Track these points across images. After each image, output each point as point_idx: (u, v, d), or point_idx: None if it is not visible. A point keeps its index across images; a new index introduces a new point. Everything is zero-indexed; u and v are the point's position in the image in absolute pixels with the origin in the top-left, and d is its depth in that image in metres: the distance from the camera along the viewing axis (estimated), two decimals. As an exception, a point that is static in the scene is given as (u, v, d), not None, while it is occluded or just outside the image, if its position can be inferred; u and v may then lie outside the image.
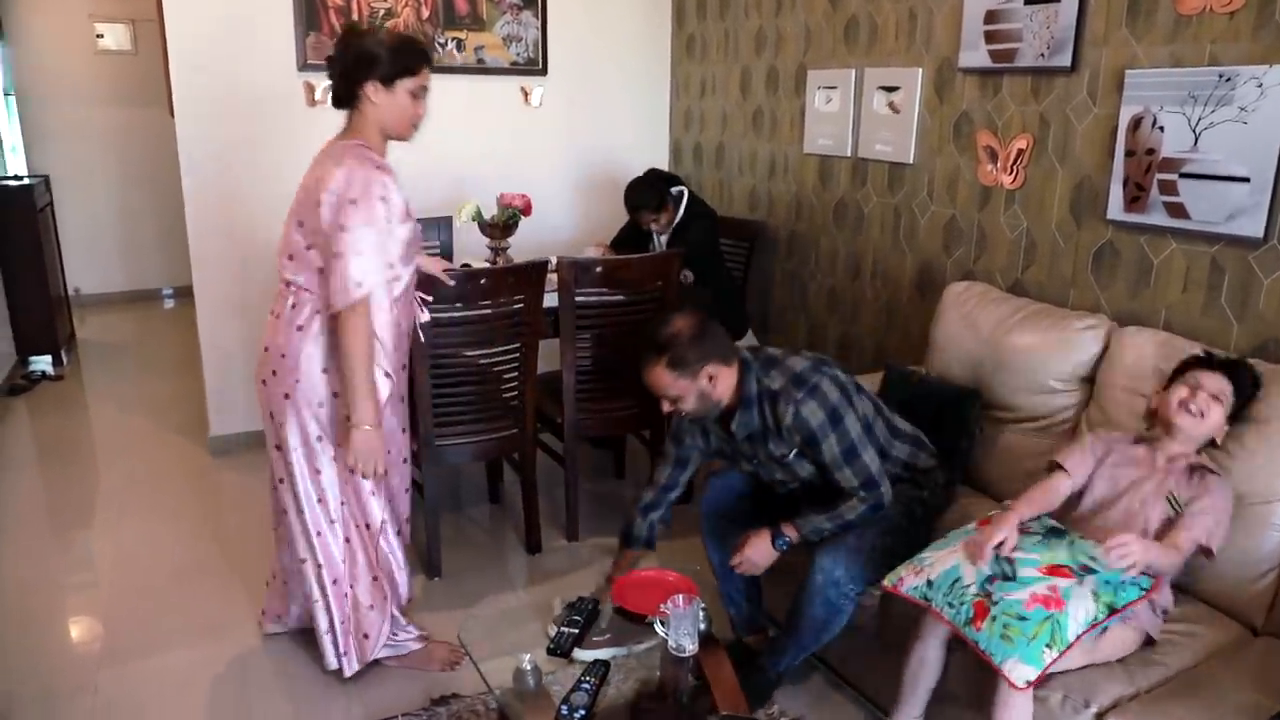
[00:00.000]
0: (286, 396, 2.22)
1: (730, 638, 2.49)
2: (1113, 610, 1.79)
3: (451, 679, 2.44)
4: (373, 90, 2.14)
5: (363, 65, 2.13)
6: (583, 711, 1.75)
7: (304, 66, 3.74)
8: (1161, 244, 2.38)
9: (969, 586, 1.85)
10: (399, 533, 2.49)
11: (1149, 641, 1.91)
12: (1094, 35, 2.48)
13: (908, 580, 1.95)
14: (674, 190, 3.59)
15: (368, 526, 2.37)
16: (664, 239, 3.66)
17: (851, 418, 2.14)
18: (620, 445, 3.79)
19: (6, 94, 6.50)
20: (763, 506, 2.37)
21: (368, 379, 2.14)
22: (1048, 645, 1.72)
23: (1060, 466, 2.06)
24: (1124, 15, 2.39)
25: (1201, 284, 2.31)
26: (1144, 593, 1.83)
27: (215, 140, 3.70)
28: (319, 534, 2.32)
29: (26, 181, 5.33)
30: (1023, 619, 1.75)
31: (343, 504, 2.33)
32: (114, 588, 2.92)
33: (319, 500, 2.30)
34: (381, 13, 3.82)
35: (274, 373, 2.23)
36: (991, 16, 2.73)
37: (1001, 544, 1.87)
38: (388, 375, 2.24)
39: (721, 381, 2.11)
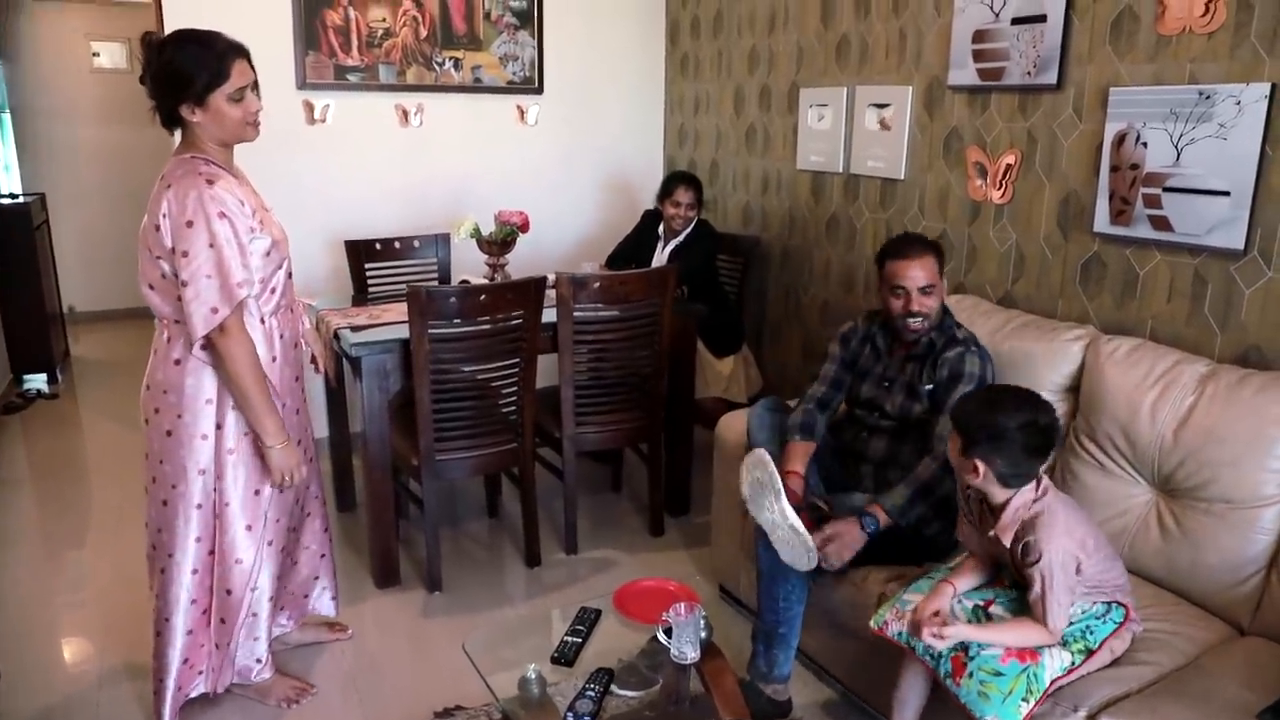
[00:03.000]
0: (169, 434, 2.13)
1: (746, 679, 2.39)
2: (1090, 652, 1.83)
3: (456, 690, 2.46)
4: (188, 112, 2.01)
5: (172, 89, 2.00)
6: (588, 718, 1.78)
7: (303, 85, 3.79)
8: (1146, 256, 2.44)
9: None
10: (283, 549, 2.38)
11: (1135, 641, 1.95)
12: (1079, 54, 2.54)
13: (892, 625, 1.96)
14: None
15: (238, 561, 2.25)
16: (666, 253, 3.71)
17: None
18: (618, 459, 3.83)
19: (2, 111, 6.54)
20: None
21: (262, 396, 2.08)
22: (1024, 699, 1.74)
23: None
24: (1107, 35, 2.46)
25: (1185, 294, 2.37)
26: (1118, 626, 1.87)
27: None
28: (194, 571, 2.22)
29: (22, 200, 5.36)
30: (999, 675, 1.76)
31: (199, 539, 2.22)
32: (108, 607, 2.93)
33: (196, 539, 2.20)
34: (380, 32, 3.87)
35: (156, 410, 2.13)
36: (979, 36, 2.80)
37: (937, 613, 1.85)
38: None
39: (939, 299, 2.37)
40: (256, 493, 2.21)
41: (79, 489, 3.90)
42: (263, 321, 2.16)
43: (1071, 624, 1.85)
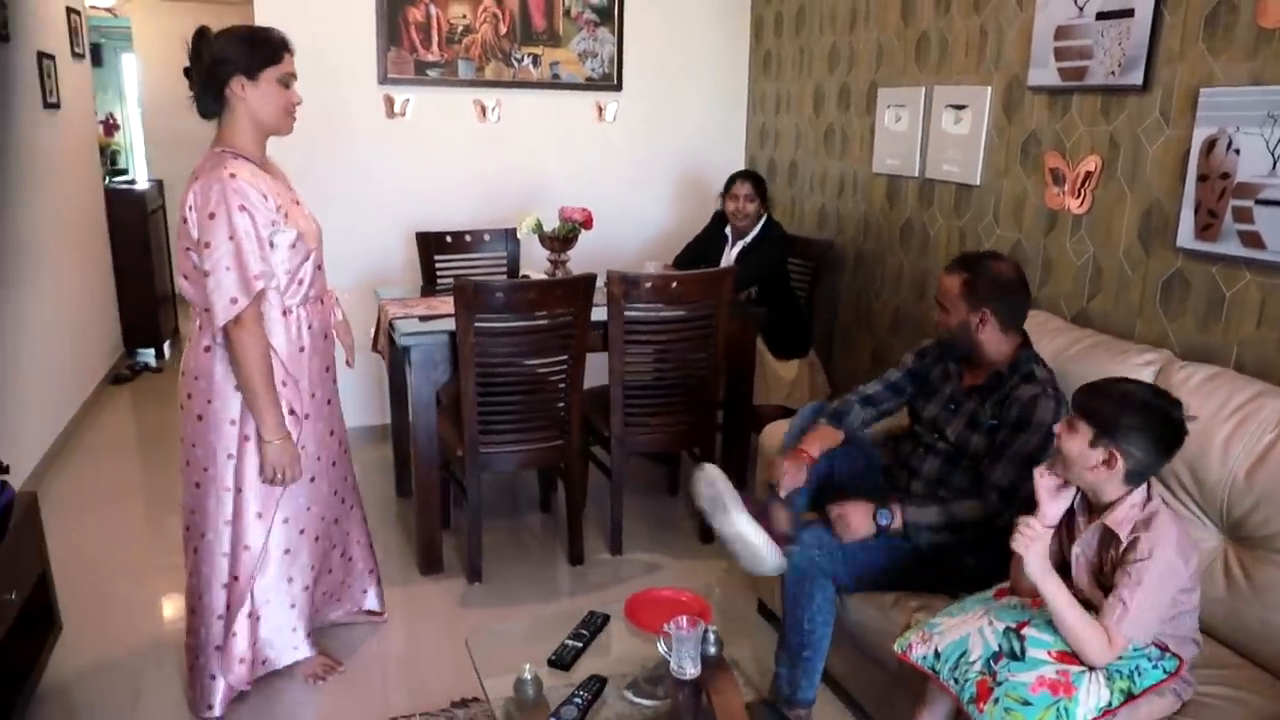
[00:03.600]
0: (200, 418, 2.18)
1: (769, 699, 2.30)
2: (1130, 695, 1.67)
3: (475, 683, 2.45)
4: (239, 86, 2.07)
5: (223, 64, 2.05)
6: (573, 723, 1.74)
7: (384, 80, 3.87)
8: (1235, 275, 2.22)
9: (974, 663, 1.73)
10: (318, 539, 2.41)
11: (1183, 706, 1.77)
12: (1168, 52, 2.34)
13: (916, 648, 1.85)
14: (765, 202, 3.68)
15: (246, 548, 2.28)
16: (733, 254, 3.63)
17: (1047, 444, 2.10)
18: (675, 462, 3.77)
19: (137, 105, 6.98)
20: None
21: (267, 390, 2.11)
22: None
23: None
24: (1200, 30, 2.25)
25: (1278, 320, 2.14)
26: (1168, 675, 1.70)
27: (303, 148, 3.85)
28: (225, 554, 2.26)
29: (138, 186, 5.68)
30: (1027, 704, 1.63)
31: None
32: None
33: (226, 521, 2.24)
34: (461, 29, 3.92)
35: (189, 395, 2.18)
36: (1062, 33, 2.61)
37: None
38: (283, 384, 2.18)
39: (988, 334, 2.22)
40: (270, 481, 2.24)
41: (177, 457, 4.11)
42: (288, 313, 2.19)
43: (1120, 658, 1.69)
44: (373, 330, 3.38)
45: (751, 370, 3.38)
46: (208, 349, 2.14)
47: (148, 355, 5.54)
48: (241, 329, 2.06)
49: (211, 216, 2.00)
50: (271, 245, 2.09)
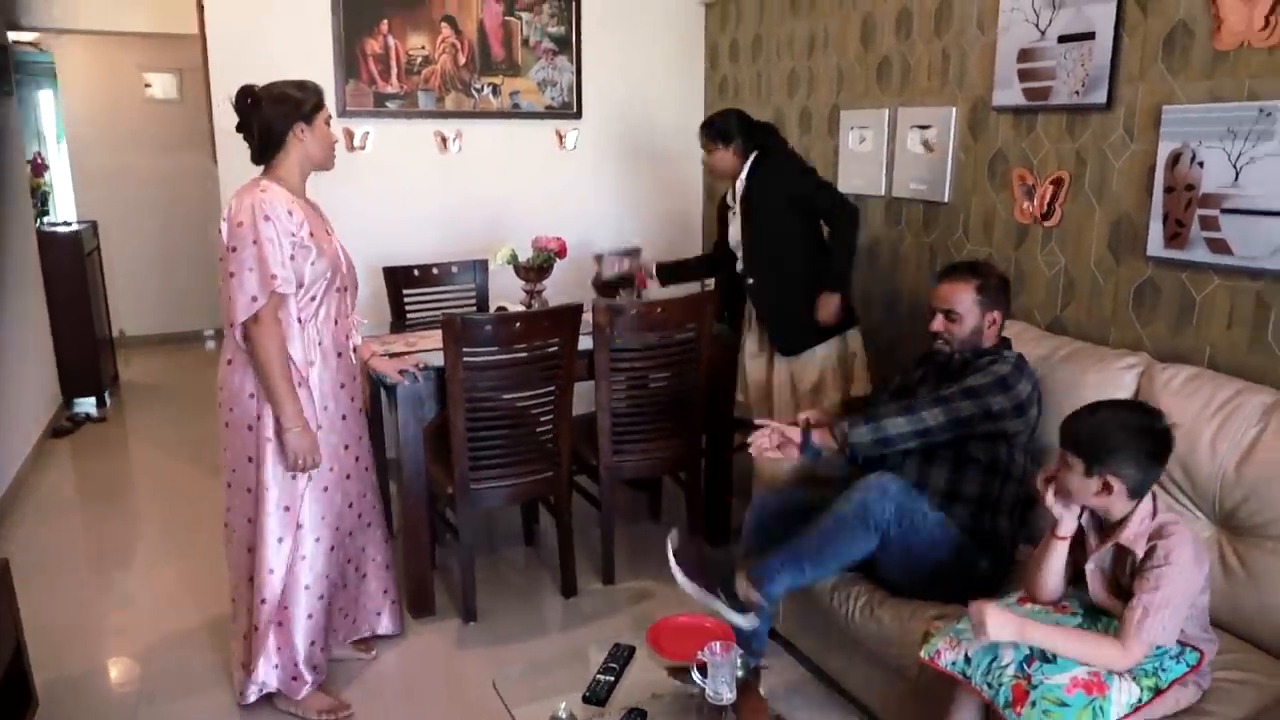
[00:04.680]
0: (226, 425, 2.39)
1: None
2: (1158, 691, 1.74)
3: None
4: (299, 132, 2.32)
5: (285, 116, 2.31)
6: (618, 761, 1.72)
7: (343, 113, 3.83)
8: (1204, 280, 2.34)
9: (1007, 667, 1.78)
10: (333, 549, 2.51)
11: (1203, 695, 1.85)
12: (1129, 72, 2.46)
13: (945, 654, 1.90)
14: (751, 141, 3.17)
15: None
16: (738, 207, 3.21)
17: (1001, 399, 2.22)
18: (656, 487, 3.78)
19: (59, 140, 6.72)
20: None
21: (284, 382, 2.27)
22: None
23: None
24: (1159, 52, 2.38)
25: (1246, 321, 2.26)
26: (1189, 669, 1.77)
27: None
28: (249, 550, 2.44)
29: (75, 227, 5.48)
30: (1063, 705, 1.68)
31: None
32: (152, 629, 2.94)
33: (248, 520, 2.42)
34: (420, 60, 3.90)
35: (219, 404, 2.39)
36: (1025, 55, 2.72)
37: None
38: (299, 384, 2.33)
39: (994, 333, 2.37)
40: (293, 477, 2.37)
41: (125, 512, 3.95)
42: (301, 323, 2.34)
43: (1144, 660, 1.75)
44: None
45: (732, 393, 3.41)
46: (230, 361, 2.34)
47: (88, 405, 5.31)
48: (260, 326, 2.23)
49: (239, 224, 2.22)
50: (292, 257, 2.27)
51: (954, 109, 3.03)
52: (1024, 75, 2.74)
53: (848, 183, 3.57)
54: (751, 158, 3.17)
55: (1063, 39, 2.61)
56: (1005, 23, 2.78)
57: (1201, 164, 2.29)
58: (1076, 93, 2.58)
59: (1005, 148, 2.87)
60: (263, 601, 2.39)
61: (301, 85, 2.35)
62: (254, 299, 2.20)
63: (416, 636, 2.90)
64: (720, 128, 3.17)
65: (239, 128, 2.36)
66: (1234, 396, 2.13)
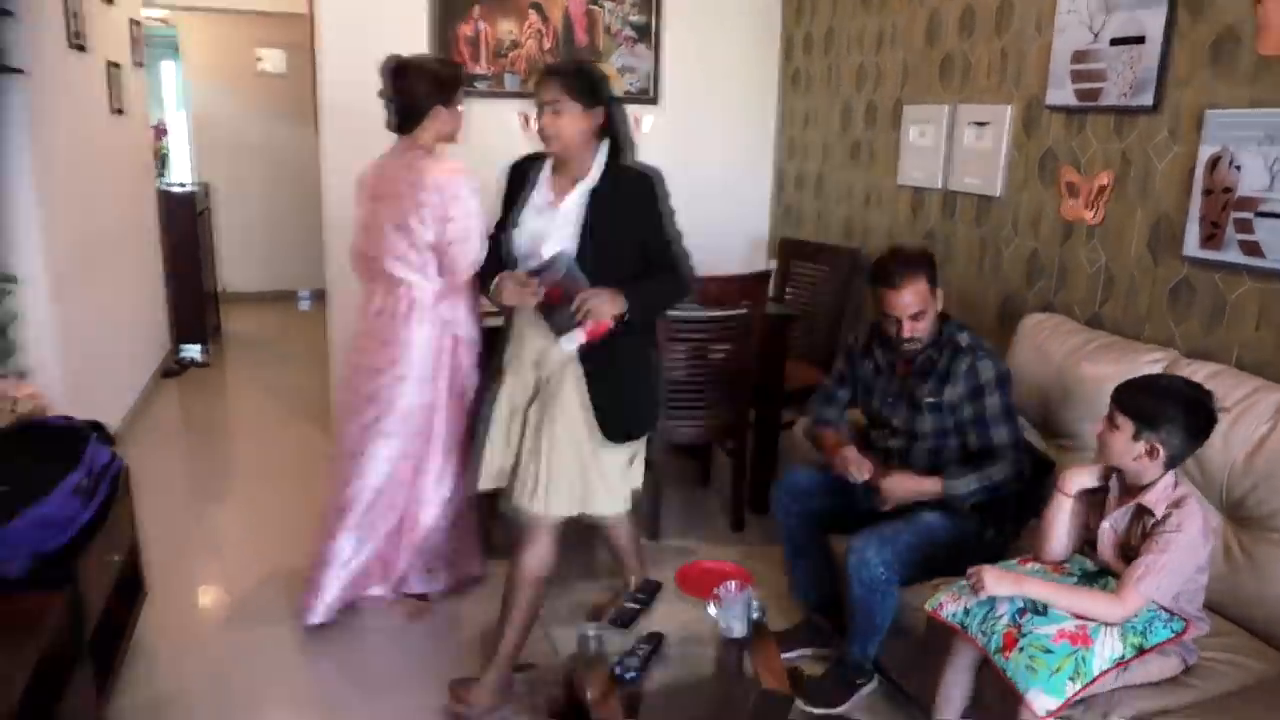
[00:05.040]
0: (403, 377, 2.64)
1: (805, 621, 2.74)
2: (1141, 650, 1.87)
3: (529, 647, 2.66)
4: (443, 107, 2.60)
5: (429, 91, 2.57)
6: (634, 673, 1.94)
7: (435, 91, 4.10)
8: (1236, 281, 2.42)
9: (1001, 617, 1.94)
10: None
11: (1187, 669, 1.97)
12: (1176, 76, 2.54)
13: (947, 606, 2.05)
14: (611, 124, 2.36)
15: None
16: (560, 213, 2.36)
17: (1009, 391, 2.41)
18: (707, 456, 3.97)
19: (177, 108, 7.24)
20: (840, 509, 2.59)
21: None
22: (1071, 679, 1.80)
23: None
24: (1207, 56, 2.46)
25: (1275, 323, 2.33)
26: (1175, 635, 1.90)
27: (353, 155, 4.07)
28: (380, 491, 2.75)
29: (190, 188, 5.94)
30: (1048, 652, 1.83)
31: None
32: (239, 557, 3.29)
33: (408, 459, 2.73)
34: (508, 44, 4.15)
35: (392, 361, 2.64)
36: (1079, 56, 2.82)
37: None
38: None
39: (936, 315, 2.45)
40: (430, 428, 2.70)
41: (222, 449, 4.36)
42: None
43: (1136, 617, 1.89)
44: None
45: (782, 368, 3.58)
46: (412, 318, 2.63)
47: (193, 350, 5.77)
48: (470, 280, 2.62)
49: (456, 198, 2.53)
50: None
51: (1010, 107, 3.13)
52: (1076, 76, 2.83)
53: (907, 176, 3.69)
54: (604, 149, 2.37)
55: (1114, 41, 2.69)
56: (1061, 24, 2.87)
57: (1239, 168, 2.37)
58: (1125, 94, 2.67)
59: (1055, 146, 2.96)
60: (411, 528, 2.77)
61: (447, 64, 2.69)
62: (474, 262, 2.54)
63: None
64: (589, 80, 2.31)
65: (386, 95, 2.60)
66: (1251, 394, 2.22)
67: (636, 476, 2.50)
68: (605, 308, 2.23)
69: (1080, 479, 2.04)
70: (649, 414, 2.46)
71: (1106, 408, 2.02)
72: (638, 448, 2.47)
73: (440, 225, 2.54)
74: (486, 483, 2.49)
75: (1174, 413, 1.90)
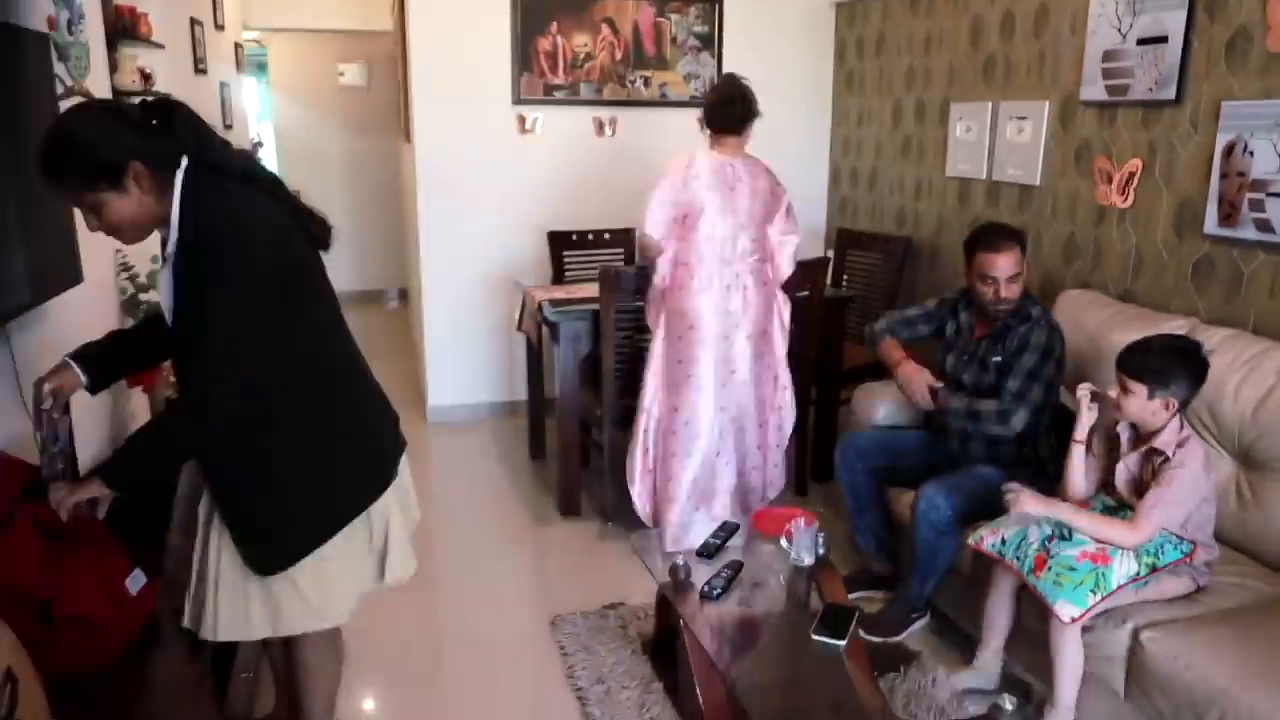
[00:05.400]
0: (679, 337, 3.16)
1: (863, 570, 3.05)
2: (1154, 569, 2.18)
3: (620, 588, 3.05)
4: (749, 128, 3.19)
5: (755, 109, 3.17)
6: (719, 590, 2.31)
7: (517, 101, 4.52)
8: (1251, 255, 2.70)
9: (1032, 544, 2.26)
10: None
11: (1198, 589, 2.27)
12: (1196, 71, 2.82)
13: (987, 539, 2.38)
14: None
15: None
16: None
17: (1052, 365, 2.71)
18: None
19: (259, 120, 7.78)
20: (896, 466, 2.94)
21: None
22: (1092, 591, 2.12)
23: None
24: (1223, 53, 2.74)
25: (1286, 291, 2.61)
26: (1184, 556, 2.20)
27: (451, 160, 4.52)
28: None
29: (287, 196, 6.44)
30: (1072, 569, 2.15)
31: None
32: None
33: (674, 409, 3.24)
34: (583, 55, 4.54)
35: (683, 330, 3.15)
36: (1109, 55, 3.10)
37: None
38: None
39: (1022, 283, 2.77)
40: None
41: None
42: None
43: (1149, 541, 2.20)
44: (517, 313, 4.01)
45: (841, 345, 3.90)
46: (765, 284, 3.21)
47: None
48: None
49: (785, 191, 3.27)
50: None
51: (1047, 103, 3.43)
52: (1107, 73, 3.12)
53: (954, 168, 4.00)
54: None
55: (1140, 41, 2.98)
56: (1093, 26, 3.16)
57: (1252, 153, 2.65)
58: (1150, 89, 2.96)
59: (1090, 138, 3.25)
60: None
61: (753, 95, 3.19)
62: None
63: (565, 531, 3.56)
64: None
65: (729, 101, 3.17)
66: (1261, 353, 2.50)
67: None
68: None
69: (1084, 427, 2.35)
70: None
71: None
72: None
73: (787, 219, 3.33)
74: None
75: (1177, 367, 2.20)
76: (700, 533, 2.82)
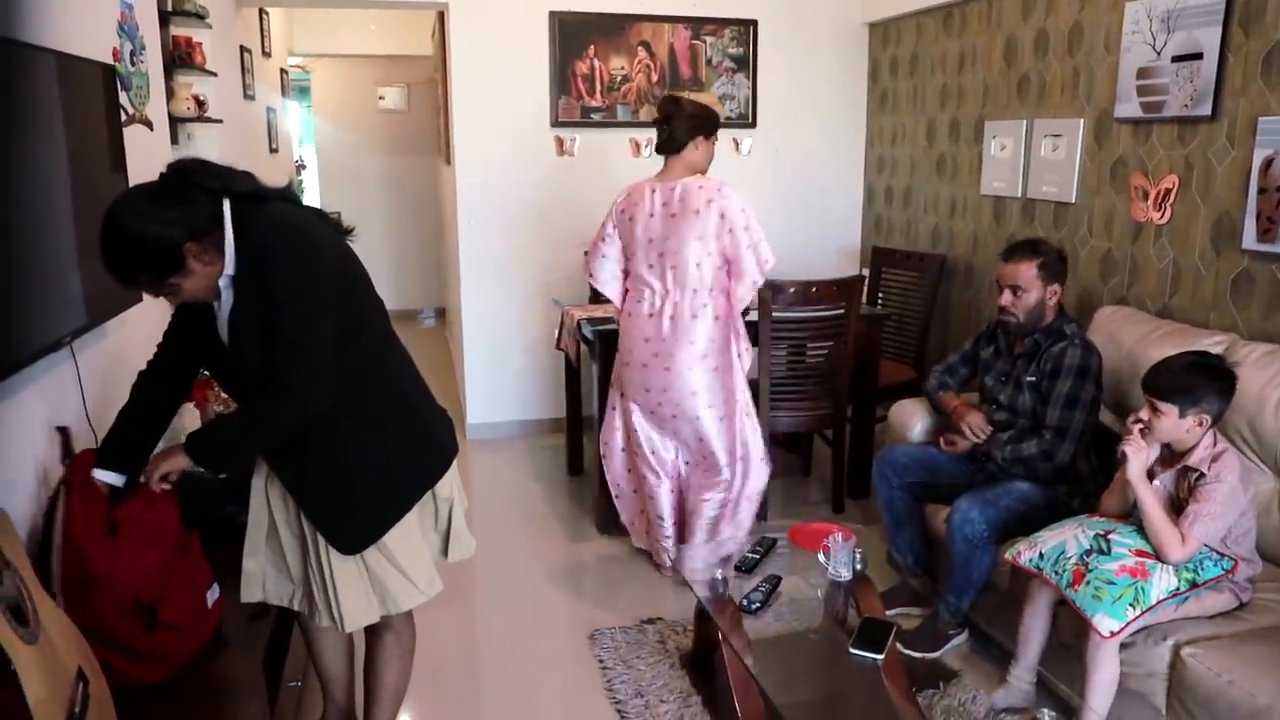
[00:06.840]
0: (716, 369, 3.12)
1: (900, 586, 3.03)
2: (1194, 584, 2.17)
3: (658, 603, 3.08)
4: (700, 141, 3.06)
5: (701, 125, 3.04)
6: (758, 604, 2.34)
7: (556, 123, 4.60)
8: (1291, 271, 2.69)
9: (1071, 558, 2.27)
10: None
11: (1241, 605, 2.26)
12: (1232, 88, 2.83)
13: (1024, 554, 2.39)
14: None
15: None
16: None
17: (1090, 385, 2.71)
18: (808, 449, 4.34)
19: (300, 143, 7.97)
20: (933, 482, 2.96)
21: None
22: (1131, 605, 2.12)
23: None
24: (1259, 69, 2.74)
25: (1328, 307, 2.60)
26: (1225, 573, 2.20)
27: (493, 180, 4.61)
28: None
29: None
30: (1111, 583, 2.16)
31: None
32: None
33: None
34: (619, 78, 4.62)
35: (706, 355, 3.12)
36: (1143, 72, 3.12)
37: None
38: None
39: (1053, 305, 2.78)
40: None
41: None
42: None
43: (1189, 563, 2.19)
44: (556, 331, 4.08)
45: (877, 363, 3.92)
46: (716, 319, 3.10)
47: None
48: None
49: (743, 210, 3.03)
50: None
51: (1082, 120, 3.44)
52: (1141, 90, 3.13)
53: (989, 186, 4.01)
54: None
55: (1175, 59, 2.99)
56: (1127, 44, 3.17)
57: (1290, 169, 2.65)
58: (1186, 106, 2.96)
59: (1125, 154, 3.26)
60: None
61: (714, 114, 3.08)
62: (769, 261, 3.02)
63: (602, 546, 3.61)
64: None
65: (656, 124, 3.08)
66: (1301, 370, 2.49)
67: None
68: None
69: (1139, 466, 2.28)
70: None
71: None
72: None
73: (734, 235, 3.11)
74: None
75: (1204, 383, 2.21)
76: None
